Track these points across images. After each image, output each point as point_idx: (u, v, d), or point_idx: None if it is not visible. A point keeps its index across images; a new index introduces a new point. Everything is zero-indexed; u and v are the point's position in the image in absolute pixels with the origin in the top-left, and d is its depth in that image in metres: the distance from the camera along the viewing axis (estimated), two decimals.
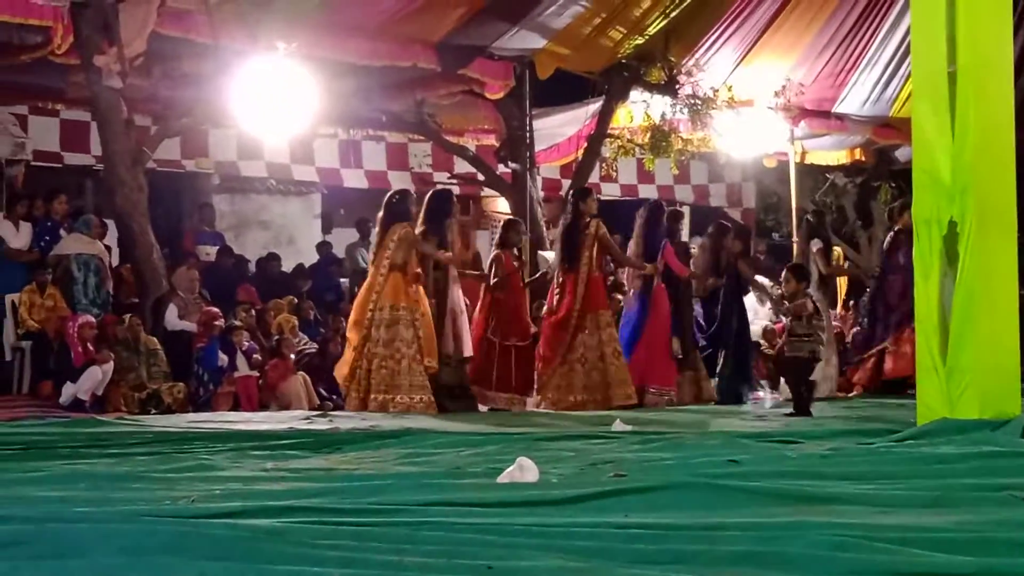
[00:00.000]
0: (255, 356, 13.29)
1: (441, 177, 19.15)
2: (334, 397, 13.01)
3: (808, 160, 20.00)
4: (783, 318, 12.21)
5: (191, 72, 13.78)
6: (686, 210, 21.41)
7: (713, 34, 16.26)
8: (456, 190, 19.49)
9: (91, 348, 12.51)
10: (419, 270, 11.84)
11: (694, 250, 14.22)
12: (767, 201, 22.75)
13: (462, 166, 18.07)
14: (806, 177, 20.33)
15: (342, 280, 17.00)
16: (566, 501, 4.66)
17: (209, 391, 12.80)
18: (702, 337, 13.47)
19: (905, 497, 4.86)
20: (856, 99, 18.25)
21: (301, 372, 13.28)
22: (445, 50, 14.62)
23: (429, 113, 16.42)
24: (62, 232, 14.03)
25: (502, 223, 13.67)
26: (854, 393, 14.19)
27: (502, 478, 5.31)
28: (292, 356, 13.45)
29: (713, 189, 22.24)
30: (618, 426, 8.93)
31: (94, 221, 14.00)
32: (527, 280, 13.51)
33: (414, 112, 16.29)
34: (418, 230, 11.95)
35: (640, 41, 15.76)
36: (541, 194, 17.01)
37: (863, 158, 20.41)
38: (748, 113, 16.97)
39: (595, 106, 16.49)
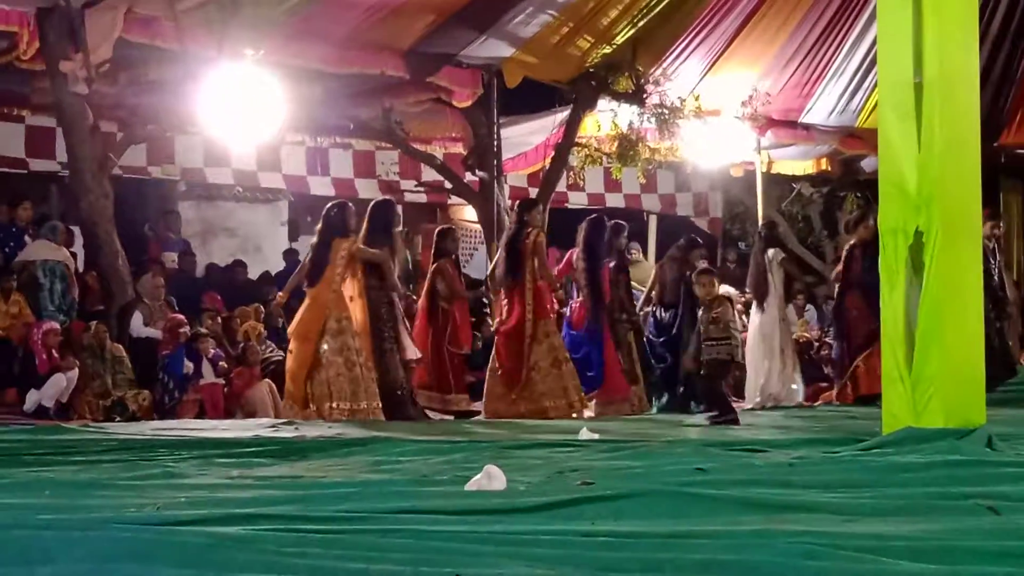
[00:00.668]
0: (221, 363, 13.25)
1: (408, 185, 19.18)
2: None
3: (775, 170, 20.08)
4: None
5: (157, 78, 13.73)
6: (652, 219, 21.60)
7: (680, 43, 16.32)
8: (423, 198, 19.60)
9: (55, 355, 12.45)
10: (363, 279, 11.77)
11: (635, 254, 14.15)
12: (734, 210, 22.80)
13: (429, 174, 18.05)
14: (773, 187, 20.40)
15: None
16: (534, 509, 4.64)
17: (175, 398, 12.76)
18: (659, 345, 13.46)
19: (872, 505, 4.87)
20: (822, 109, 18.34)
21: (267, 380, 13.23)
22: (413, 58, 14.62)
23: (397, 121, 16.41)
24: (27, 238, 13.97)
25: (435, 232, 13.56)
26: (819, 402, 14.17)
27: (469, 486, 5.30)
28: (258, 364, 13.40)
29: (680, 198, 22.27)
30: (584, 434, 8.93)
31: (61, 228, 13.97)
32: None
33: (382, 120, 16.27)
34: (360, 241, 11.90)
35: (608, 50, 15.81)
36: (508, 202, 16.97)
37: (829, 168, 20.49)
38: (715, 122, 17.02)
39: (563, 115, 16.50)
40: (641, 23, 15.58)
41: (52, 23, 12.34)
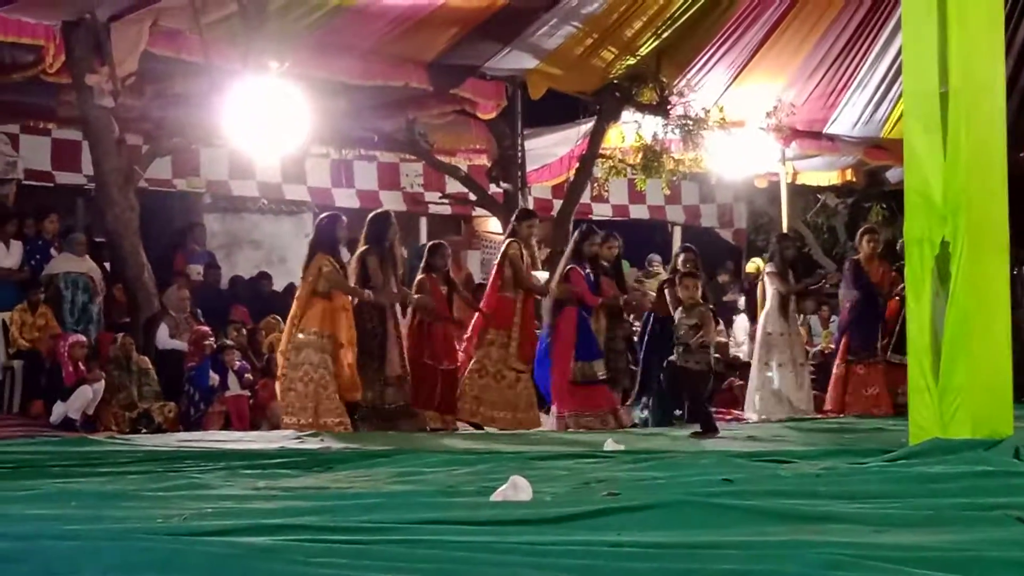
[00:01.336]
0: (246, 375, 13.27)
1: (433, 197, 19.19)
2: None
3: (799, 180, 20.04)
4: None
5: (183, 91, 13.80)
6: (676, 231, 21.56)
7: (705, 55, 16.31)
8: (448, 210, 19.61)
9: (82, 367, 12.49)
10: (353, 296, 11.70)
11: (655, 266, 14.00)
12: (758, 221, 22.75)
13: (454, 186, 18.06)
14: (797, 197, 20.35)
15: None
16: (559, 520, 4.64)
17: (200, 410, 12.79)
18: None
19: (899, 516, 4.85)
20: (847, 120, 18.29)
21: None
22: (437, 70, 14.65)
23: (421, 133, 16.45)
24: (53, 251, 14.03)
25: (427, 247, 13.30)
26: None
27: (495, 496, 5.30)
28: None
29: (704, 209, 22.25)
30: (610, 446, 8.92)
31: (79, 238, 14.01)
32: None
33: (406, 132, 16.32)
34: (360, 250, 11.86)
35: (632, 61, 15.80)
36: None
37: (854, 179, 20.43)
38: (739, 133, 16.99)
39: (587, 126, 16.52)
40: (665, 34, 15.58)
41: (78, 37, 12.41)
